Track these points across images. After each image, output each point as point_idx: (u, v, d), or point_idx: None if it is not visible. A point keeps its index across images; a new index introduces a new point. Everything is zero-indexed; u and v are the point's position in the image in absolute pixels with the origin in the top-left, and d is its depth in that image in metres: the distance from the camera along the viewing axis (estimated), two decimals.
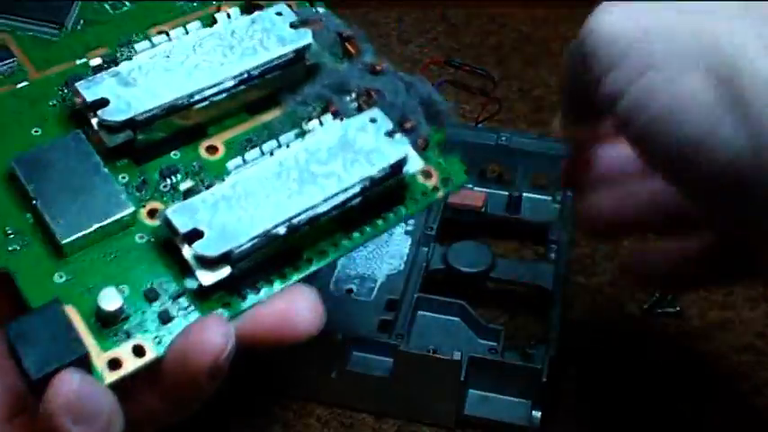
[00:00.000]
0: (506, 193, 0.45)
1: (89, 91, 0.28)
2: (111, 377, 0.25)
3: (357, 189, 0.28)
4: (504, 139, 0.45)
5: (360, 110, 0.30)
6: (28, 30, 0.32)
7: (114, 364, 0.25)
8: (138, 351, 0.25)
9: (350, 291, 0.40)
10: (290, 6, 0.32)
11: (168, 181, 0.29)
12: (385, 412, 0.38)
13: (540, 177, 0.45)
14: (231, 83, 0.30)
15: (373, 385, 0.37)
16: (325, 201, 0.27)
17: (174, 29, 0.31)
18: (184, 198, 0.26)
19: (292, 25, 0.31)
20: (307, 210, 0.27)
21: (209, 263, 0.26)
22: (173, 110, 0.29)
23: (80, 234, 0.26)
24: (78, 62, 0.31)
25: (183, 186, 0.27)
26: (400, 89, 0.31)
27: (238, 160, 0.28)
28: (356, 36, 0.33)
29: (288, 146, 0.28)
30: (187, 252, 0.26)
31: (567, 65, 0.29)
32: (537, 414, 0.36)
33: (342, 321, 0.38)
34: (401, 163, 0.29)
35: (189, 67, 0.29)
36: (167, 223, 0.26)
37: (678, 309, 0.42)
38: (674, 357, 0.40)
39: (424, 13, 0.65)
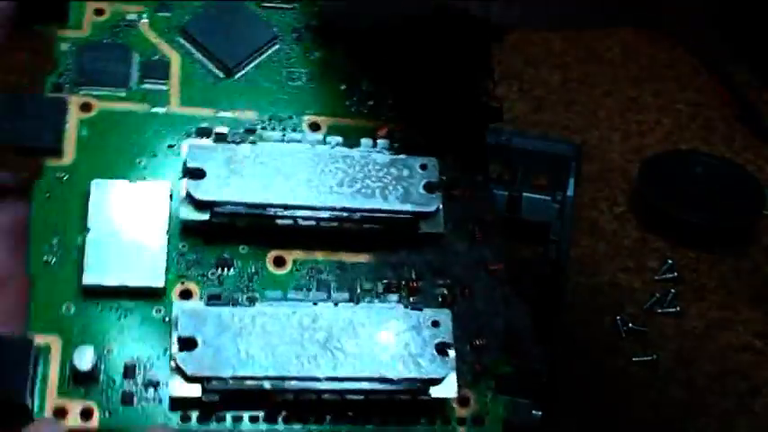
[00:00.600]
0: (506, 193, 0.45)
1: (193, 157, 0.27)
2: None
3: (365, 386, 0.26)
4: (504, 139, 0.45)
5: (443, 302, 0.28)
6: (199, 60, 0.30)
7: (60, 412, 0.25)
8: (87, 414, 0.25)
9: None
10: (444, 161, 0.29)
11: (219, 271, 0.27)
12: None
13: (540, 177, 0.45)
14: (328, 214, 0.28)
15: None
16: (329, 380, 0.25)
17: (320, 127, 0.30)
18: (209, 300, 0.26)
19: (428, 185, 0.29)
20: (306, 380, 0.25)
21: (184, 376, 0.25)
22: (260, 214, 0.27)
23: (104, 284, 0.26)
24: (216, 114, 0.29)
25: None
26: (497, 308, 0.29)
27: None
28: (488, 224, 0.30)
29: (336, 305, 0.27)
30: (175, 355, 0.25)
31: None
32: (537, 414, 0.36)
33: None
34: (433, 382, 0.26)
35: (301, 178, 0.28)
36: (175, 319, 0.25)
37: (678, 309, 0.42)
38: (674, 357, 0.40)
39: None
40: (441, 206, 0.29)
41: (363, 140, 0.29)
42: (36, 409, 0.25)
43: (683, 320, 0.42)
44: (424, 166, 0.29)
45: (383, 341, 0.26)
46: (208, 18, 0.31)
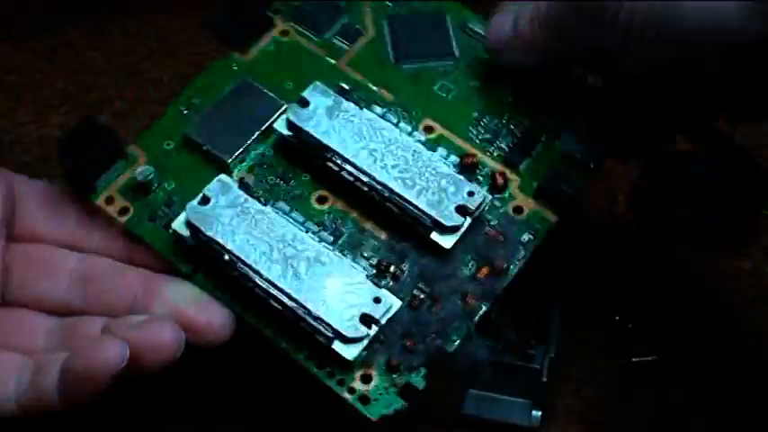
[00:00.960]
0: None
1: (310, 91, 0.34)
2: (103, 204, 0.34)
3: (292, 305, 0.31)
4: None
5: (410, 301, 0.32)
6: (384, 42, 0.38)
7: (109, 200, 0.34)
8: (124, 211, 0.34)
9: None
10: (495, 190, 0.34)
11: (276, 180, 0.35)
12: None
13: None
14: (368, 179, 0.33)
15: None
16: (270, 284, 0.31)
17: (432, 131, 0.36)
18: (240, 183, 0.33)
19: (461, 208, 0.32)
20: (255, 272, 0.31)
21: (186, 219, 0.32)
22: (329, 157, 0.34)
23: (195, 139, 0.35)
24: (364, 82, 0.37)
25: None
26: (452, 332, 0.31)
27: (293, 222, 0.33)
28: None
29: (319, 240, 0.32)
30: (191, 203, 0.32)
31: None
32: (537, 414, 0.36)
33: None
34: (342, 337, 0.30)
35: (370, 147, 0.33)
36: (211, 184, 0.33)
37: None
38: (675, 357, 0.40)
39: None
40: (462, 228, 0.32)
41: (440, 149, 0.34)
42: (98, 189, 0.34)
43: (683, 321, 0.42)
44: (470, 193, 0.32)
45: (329, 284, 0.31)
46: (413, 16, 0.38)
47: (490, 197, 0.33)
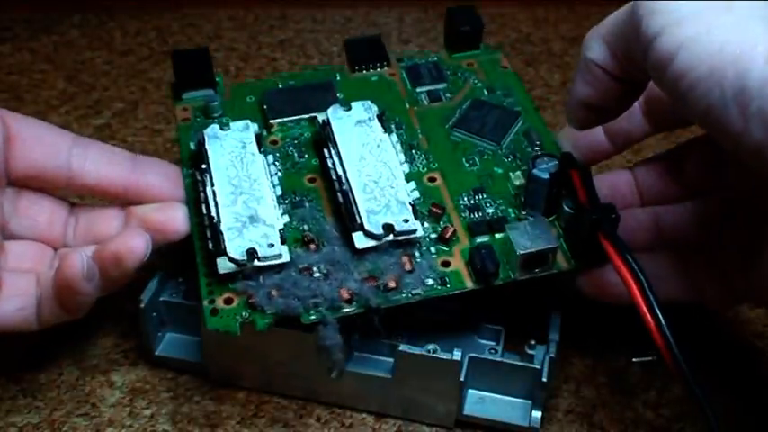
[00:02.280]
0: None
1: (335, 111, 0.40)
2: (179, 111, 0.43)
3: None
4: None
5: (302, 271, 0.35)
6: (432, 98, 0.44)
7: (184, 109, 0.43)
8: (185, 119, 0.43)
9: None
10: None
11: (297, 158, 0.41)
12: (385, 412, 0.38)
13: None
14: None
15: (373, 385, 0.37)
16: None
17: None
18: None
19: (387, 225, 0.35)
20: (213, 198, 0.37)
21: None
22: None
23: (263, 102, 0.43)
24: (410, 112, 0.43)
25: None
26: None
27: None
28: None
29: (278, 198, 0.38)
30: None
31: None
32: (537, 414, 0.36)
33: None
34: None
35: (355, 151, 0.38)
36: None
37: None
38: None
39: (425, 12, 0.65)
40: (380, 240, 0.35)
41: (412, 183, 0.38)
42: (183, 99, 0.43)
43: (683, 321, 0.42)
44: (405, 220, 0.35)
45: (248, 215, 0.36)
46: (494, 106, 0.43)
47: (422, 233, 0.36)
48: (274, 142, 0.41)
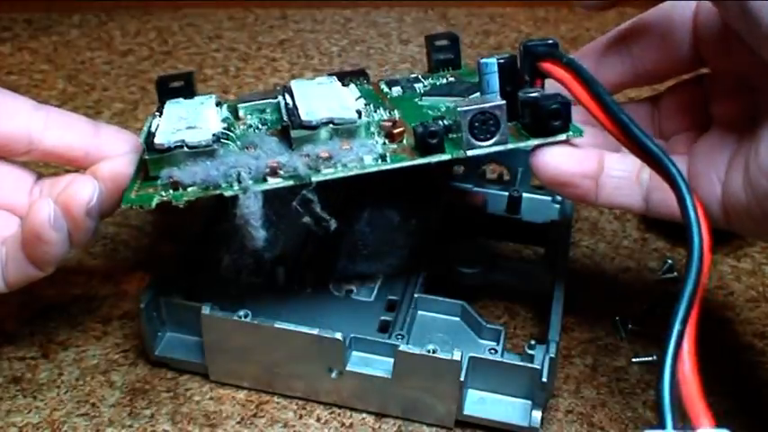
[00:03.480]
0: (506, 193, 0.45)
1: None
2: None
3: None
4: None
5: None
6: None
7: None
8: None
9: (350, 291, 0.40)
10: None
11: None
12: (385, 412, 0.38)
13: None
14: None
15: (373, 385, 0.37)
16: None
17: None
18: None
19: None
20: None
21: None
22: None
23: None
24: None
25: None
26: None
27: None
28: None
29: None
30: None
31: None
32: (537, 414, 0.36)
33: (342, 321, 0.38)
34: None
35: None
36: None
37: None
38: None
39: (425, 13, 0.65)
40: (315, 130, 0.34)
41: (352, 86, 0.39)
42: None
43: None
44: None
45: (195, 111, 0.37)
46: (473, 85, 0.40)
47: (363, 121, 0.34)
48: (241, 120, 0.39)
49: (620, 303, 0.43)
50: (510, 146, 0.33)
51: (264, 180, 0.33)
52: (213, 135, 0.34)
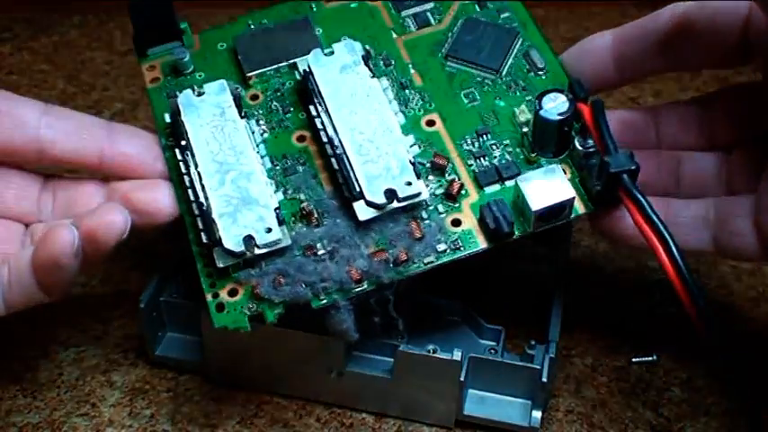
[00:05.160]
0: None
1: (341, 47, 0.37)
2: (145, 69, 0.40)
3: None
4: None
5: (305, 253, 0.34)
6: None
7: (151, 68, 0.40)
8: (154, 80, 0.40)
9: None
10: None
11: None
12: (385, 412, 0.38)
13: None
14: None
15: (373, 385, 0.37)
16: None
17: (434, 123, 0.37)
18: None
19: (389, 191, 0.33)
20: (198, 180, 0.34)
21: None
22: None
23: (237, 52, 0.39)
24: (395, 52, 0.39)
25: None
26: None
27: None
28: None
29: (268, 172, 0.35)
30: None
31: None
32: (537, 414, 0.36)
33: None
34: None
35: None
36: None
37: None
38: (675, 357, 0.40)
39: None
40: (383, 209, 0.33)
41: (410, 136, 0.35)
42: (149, 55, 0.40)
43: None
44: (408, 183, 0.33)
45: (241, 198, 0.34)
46: (489, 25, 0.39)
47: (427, 196, 0.34)
48: (255, 97, 0.38)
49: (620, 303, 0.43)
50: (572, 216, 0.34)
51: (349, 290, 0.33)
52: (280, 229, 0.33)
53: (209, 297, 0.33)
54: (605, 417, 0.38)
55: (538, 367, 0.36)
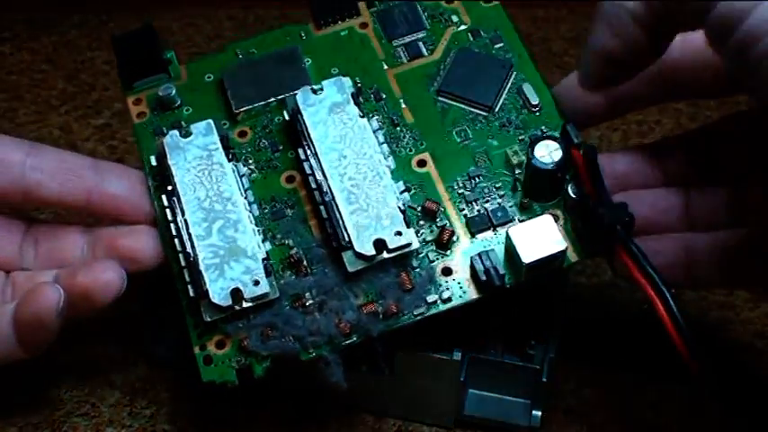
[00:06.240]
0: None
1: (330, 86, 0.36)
2: (130, 103, 0.39)
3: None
4: None
5: (294, 305, 0.33)
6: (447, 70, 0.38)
7: (137, 101, 0.39)
8: (140, 114, 0.39)
9: None
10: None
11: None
12: (385, 412, 0.38)
13: None
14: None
15: (373, 385, 0.37)
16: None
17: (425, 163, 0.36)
18: None
19: (378, 242, 0.33)
20: (185, 229, 0.34)
21: None
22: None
23: (225, 86, 0.38)
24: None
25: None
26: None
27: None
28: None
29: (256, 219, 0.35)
30: None
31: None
32: (537, 414, 0.36)
33: None
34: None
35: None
36: None
37: None
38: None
39: None
40: (372, 260, 0.33)
41: (400, 183, 0.34)
42: (135, 88, 0.39)
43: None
44: (398, 233, 0.33)
45: (228, 249, 0.33)
46: (483, 56, 0.38)
47: (417, 245, 0.33)
48: (243, 133, 0.37)
49: (620, 303, 0.43)
50: (565, 265, 0.33)
51: (339, 344, 0.32)
52: (268, 281, 0.32)
53: (196, 349, 0.33)
54: (605, 417, 0.38)
55: (538, 367, 0.36)
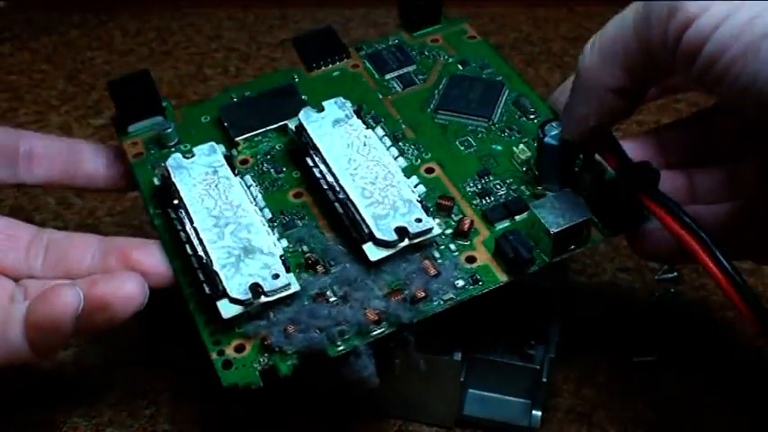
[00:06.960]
0: None
1: (329, 106, 0.37)
2: (127, 146, 0.38)
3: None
4: None
5: (315, 299, 0.32)
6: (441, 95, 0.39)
7: (134, 144, 0.39)
8: (137, 155, 0.38)
9: None
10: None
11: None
12: (385, 412, 0.38)
13: None
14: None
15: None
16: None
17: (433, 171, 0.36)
18: None
19: (399, 229, 0.32)
20: (195, 235, 0.33)
21: None
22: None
23: (223, 119, 0.39)
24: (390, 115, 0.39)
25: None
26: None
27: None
28: None
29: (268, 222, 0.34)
30: None
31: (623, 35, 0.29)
32: (537, 414, 0.36)
33: None
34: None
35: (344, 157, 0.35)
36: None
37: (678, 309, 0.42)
38: (674, 356, 0.40)
39: None
40: (395, 247, 0.32)
41: (413, 177, 0.34)
42: (130, 132, 0.39)
43: (684, 320, 0.42)
44: (418, 220, 0.32)
45: (243, 248, 0.32)
46: (474, 79, 0.39)
47: (439, 232, 0.32)
48: (245, 162, 0.37)
49: (620, 303, 0.43)
50: (589, 244, 0.33)
51: (368, 333, 0.31)
52: (285, 266, 0.31)
53: (213, 355, 0.31)
54: (605, 417, 0.38)
55: (538, 367, 0.36)
